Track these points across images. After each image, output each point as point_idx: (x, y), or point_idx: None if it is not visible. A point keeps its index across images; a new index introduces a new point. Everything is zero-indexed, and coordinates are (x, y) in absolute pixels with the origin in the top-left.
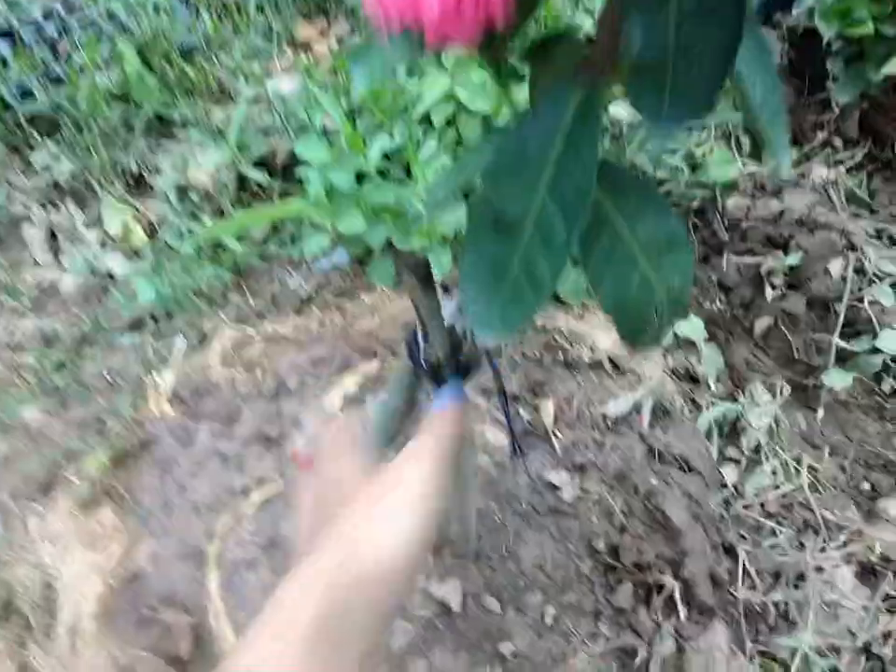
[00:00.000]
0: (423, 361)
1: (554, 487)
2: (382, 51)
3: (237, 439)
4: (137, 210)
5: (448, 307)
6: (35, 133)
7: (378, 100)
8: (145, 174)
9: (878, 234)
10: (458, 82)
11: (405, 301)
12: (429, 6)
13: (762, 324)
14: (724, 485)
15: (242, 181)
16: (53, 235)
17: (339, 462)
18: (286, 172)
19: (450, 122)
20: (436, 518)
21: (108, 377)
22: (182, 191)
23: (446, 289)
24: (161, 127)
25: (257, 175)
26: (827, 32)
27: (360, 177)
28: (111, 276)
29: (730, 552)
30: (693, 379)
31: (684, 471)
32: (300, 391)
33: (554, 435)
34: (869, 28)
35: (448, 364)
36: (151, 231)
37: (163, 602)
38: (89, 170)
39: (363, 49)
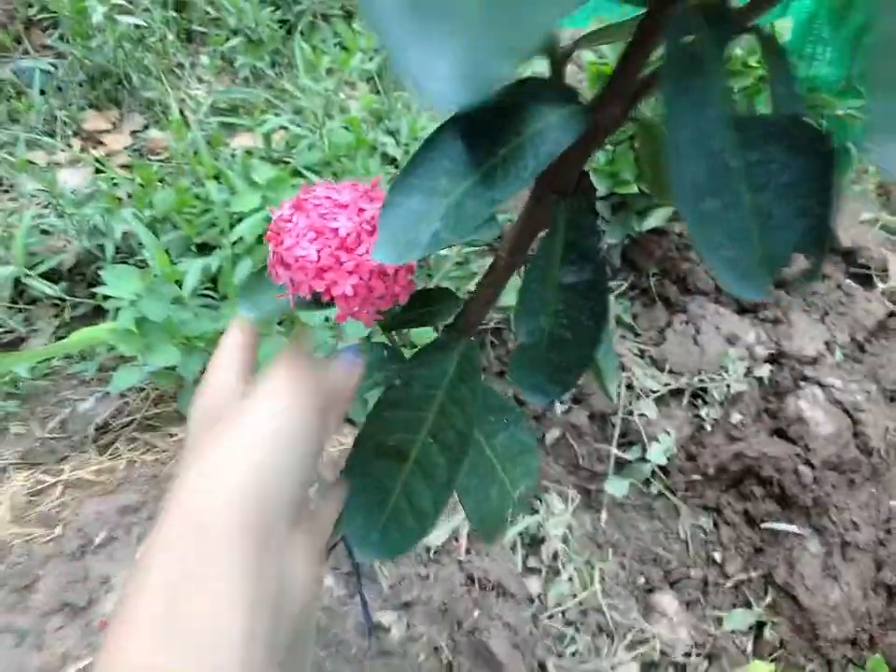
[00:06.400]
0: None
1: (383, 628)
2: (273, 292)
3: (34, 610)
4: None
5: None
6: None
7: (182, 211)
8: None
9: (641, 354)
10: (271, 200)
11: None
12: (343, 288)
13: (552, 435)
14: (532, 600)
15: (19, 286)
16: None
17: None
18: (73, 275)
19: (260, 240)
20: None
21: None
22: None
23: None
24: None
25: (40, 286)
26: (600, 187)
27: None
28: None
29: (543, 667)
30: None
31: (503, 597)
32: (108, 547)
33: (381, 573)
34: (633, 188)
35: None
36: None
37: None
38: None
39: (253, 283)
